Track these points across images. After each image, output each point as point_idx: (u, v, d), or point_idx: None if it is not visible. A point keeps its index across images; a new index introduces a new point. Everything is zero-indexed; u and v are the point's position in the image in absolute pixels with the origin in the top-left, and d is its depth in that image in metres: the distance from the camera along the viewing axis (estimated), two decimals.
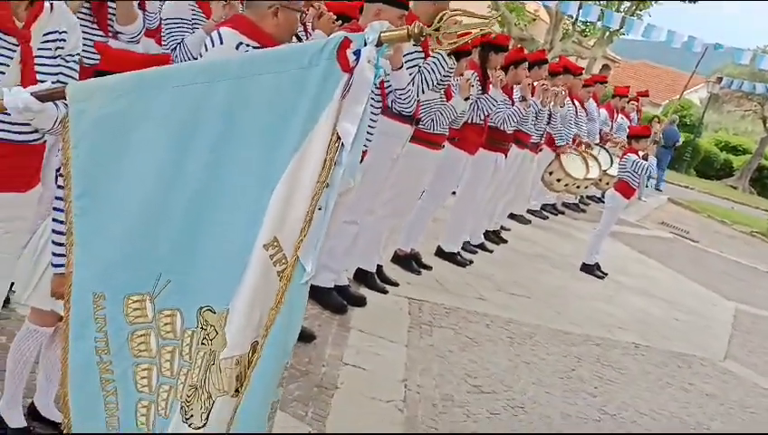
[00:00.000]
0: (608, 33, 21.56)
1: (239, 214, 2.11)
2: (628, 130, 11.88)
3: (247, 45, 3.15)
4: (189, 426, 2.21)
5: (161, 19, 4.47)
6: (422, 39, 1.95)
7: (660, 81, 42.44)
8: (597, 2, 18.17)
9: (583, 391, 5.14)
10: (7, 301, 3.60)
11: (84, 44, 3.58)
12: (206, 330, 2.19)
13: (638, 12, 22.70)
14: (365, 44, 1.96)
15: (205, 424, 2.18)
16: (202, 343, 2.19)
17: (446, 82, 5.23)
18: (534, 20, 27.24)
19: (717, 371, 6.55)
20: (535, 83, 7.17)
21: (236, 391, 2.15)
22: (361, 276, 5.81)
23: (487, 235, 8.23)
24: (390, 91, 4.36)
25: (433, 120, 5.44)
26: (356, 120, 1.99)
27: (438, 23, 1.96)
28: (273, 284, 2.08)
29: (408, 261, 6.57)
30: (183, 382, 2.24)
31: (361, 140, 2.05)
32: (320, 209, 2.05)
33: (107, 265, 2.23)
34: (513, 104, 6.76)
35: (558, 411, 4.69)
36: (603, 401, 5.08)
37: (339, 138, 2.01)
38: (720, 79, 25.69)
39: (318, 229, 2.06)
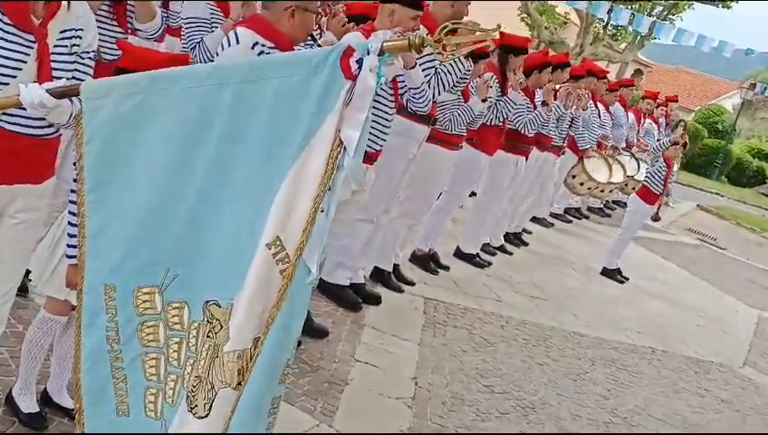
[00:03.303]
0: (639, 38, 21.38)
1: (244, 213, 2.18)
2: (656, 136, 11.86)
3: (263, 45, 3.22)
4: (194, 415, 2.28)
5: (182, 18, 4.57)
6: (423, 49, 2.00)
7: (693, 87, 42.05)
8: (628, 5, 18.02)
9: (595, 394, 5.15)
10: (26, 290, 3.72)
11: (105, 41, 3.70)
12: (211, 323, 2.26)
13: (671, 16, 22.51)
14: (368, 53, 2.02)
15: (208, 414, 2.25)
16: (207, 336, 2.27)
17: (463, 84, 5.27)
18: (565, 23, 27.13)
19: (735, 377, 6.52)
20: (557, 86, 7.17)
21: (239, 384, 2.21)
22: (378, 275, 5.86)
23: (508, 237, 8.25)
24: (405, 91, 4.40)
25: (450, 121, 5.48)
26: (358, 127, 2.05)
27: (439, 34, 2.01)
28: (276, 281, 2.15)
29: (426, 261, 6.61)
30: (189, 373, 2.32)
31: (363, 146, 2.11)
32: (322, 212, 2.12)
33: (118, 257, 2.31)
34: (534, 108, 6.77)
35: (568, 413, 4.71)
36: (615, 404, 5.09)
37: (341, 143, 2.08)
38: (753, 85, 25.46)
39: (320, 231, 2.13)
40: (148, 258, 2.28)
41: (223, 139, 2.18)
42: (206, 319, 2.24)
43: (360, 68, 2.00)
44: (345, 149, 2.04)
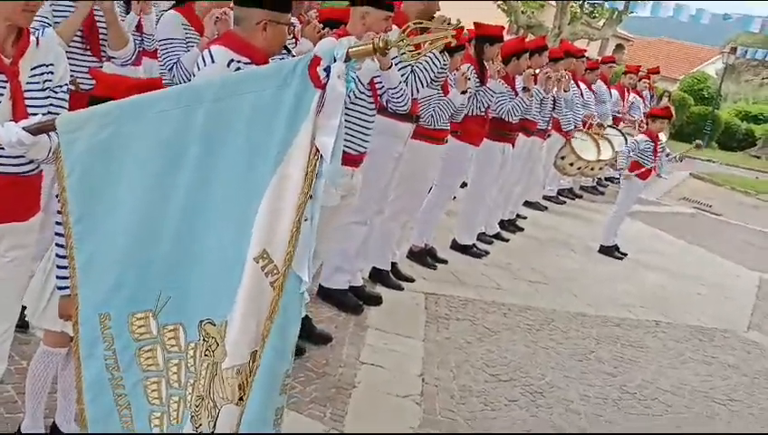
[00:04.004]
0: (616, 13, 21.41)
1: (229, 229, 2.20)
2: (642, 109, 11.89)
3: (239, 62, 3.23)
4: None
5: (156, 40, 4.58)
6: (387, 51, 2.02)
7: (676, 56, 42.10)
8: None
9: (603, 372, 5.18)
10: (27, 326, 3.73)
11: (79, 70, 3.72)
12: (207, 342, 2.28)
13: None
14: (334, 60, 2.04)
15: (213, 432, 2.27)
16: (205, 355, 2.29)
17: (441, 79, 5.29)
18: (542, 6, 27.14)
19: (740, 342, 6.55)
20: (537, 71, 7.19)
21: (240, 399, 2.23)
22: (377, 275, 5.89)
23: (503, 224, 8.28)
24: (384, 92, 4.42)
25: (432, 116, 5.51)
26: (332, 133, 2.08)
27: (401, 35, 2.03)
28: (267, 294, 2.17)
29: (423, 256, 6.64)
30: (191, 393, 2.34)
31: (339, 152, 2.13)
32: (306, 220, 2.13)
33: (109, 285, 2.33)
34: (516, 95, 6.79)
35: (577, 394, 4.74)
36: (623, 381, 5.12)
37: (318, 151, 2.10)
38: (734, 49, 25.54)
39: (306, 240, 2.15)
40: (140, 283, 2.30)
41: (201, 157, 2.20)
42: (202, 338, 2.26)
43: (328, 76, 2.02)
44: (322, 156, 2.06)
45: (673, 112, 9.13)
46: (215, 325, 2.24)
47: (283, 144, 2.09)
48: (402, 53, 2.16)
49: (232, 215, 2.18)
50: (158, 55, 4.65)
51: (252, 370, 2.18)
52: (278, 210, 2.11)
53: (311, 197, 2.10)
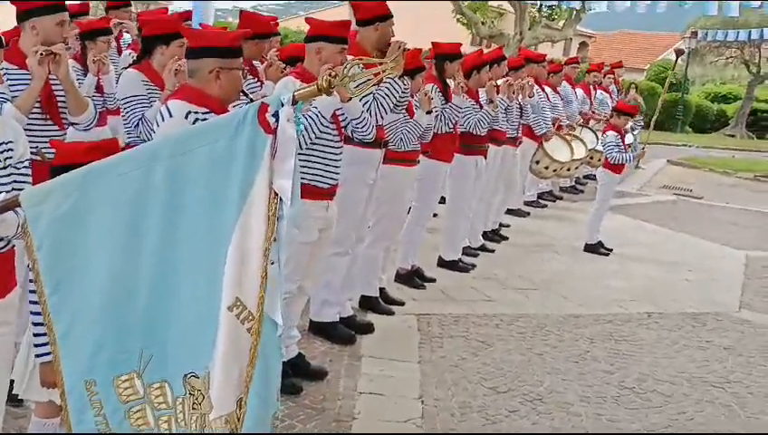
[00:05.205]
0: (574, 12, 21.66)
1: (200, 280, 2.23)
2: (610, 104, 12.01)
3: (196, 113, 3.27)
4: None
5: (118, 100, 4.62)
6: (331, 90, 2.07)
7: (639, 47, 42.58)
8: None
9: (600, 371, 5.21)
10: (21, 400, 3.73)
11: (41, 140, 3.75)
12: (194, 395, 2.30)
13: None
14: (282, 105, 2.09)
15: None
16: (193, 408, 2.31)
17: (405, 102, 5.35)
18: (501, 14, 27.43)
19: (733, 323, 6.60)
20: (499, 81, 7.27)
21: None
22: (366, 303, 5.91)
23: (486, 235, 8.33)
24: (348, 123, 4.47)
25: (402, 139, 5.55)
26: (289, 176, 2.12)
27: (344, 72, 2.08)
28: (245, 341, 2.20)
29: (411, 277, 6.67)
30: None
31: (297, 193, 2.17)
32: (272, 264, 2.17)
33: (91, 352, 2.35)
34: (481, 107, 6.86)
35: (576, 395, 4.76)
36: (621, 377, 5.14)
37: (276, 194, 2.14)
38: (695, 33, 25.80)
39: (275, 283, 2.19)
40: (121, 346, 2.32)
41: (165, 214, 2.24)
42: (188, 392, 2.28)
43: (277, 121, 2.07)
44: (281, 199, 2.10)
45: (638, 108, 9.24)
46: (198, 378, 2.26)
47: (242, 192, 2.13)
48: (357, 86, 2.20)
49: (202, 266, 2.21)
50: (122, 114, 4.68)
51: (240, 417, 2.21)
52: (245, 257, 2.15)
53: (274, 239, 2.14)
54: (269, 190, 2.12)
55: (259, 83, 5.28)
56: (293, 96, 2.04)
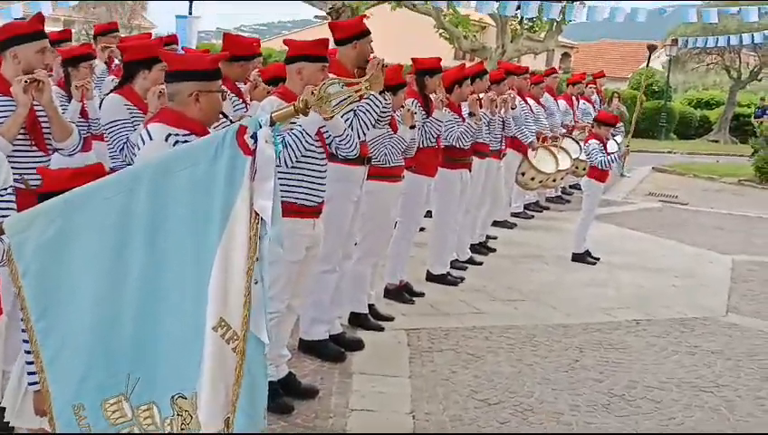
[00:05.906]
0: (555, 24, 21.82)
1: (185, 301, 2.26)
2: (593, 114, 12.09)
3: (176, 135, 3.29)
4: None
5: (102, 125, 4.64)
6: (308, 111, 2.10)
7: (621, 55, 42.96)
8: None
9: (589, 379, 5.23)
10: (12, 428, 3.72)
11: (26, 167, 3.76)
12: (182, 416, 2.32)
13: None
14: (260, 126, 2.12)
15: None
16: (182, 429, 2.33)
17: (387, 118, 5.39)
18: (483, 28, 27.59)
19: (721, 327, 6.64)
20: (481, 95, 7.32)
21: None
22: (355, 319, 5.92)
23: (474, 248, 8.36)
24: (331, 141, 4.50)
25: (386, 155, 5.58)
26: (269, 196, 2.15)
27: (320, 93, 2.11)
28: (230, 361, 2.23)
29: (400, 293, 6.68)
30: None
31: (278, 212, 2.20)
32: (256, 283, 2.19)
33: (78, 376, 2.36)
34: (463, 121, 6.91)
35: (566, 405, 4.78)
36: (610, 385, 5.17)
37: (257, 215, 2.17)
38: (675, 41, 26.04)
39: (259, 301, 2.21)
40: (107, 369, 2.34)
41: (149, 236, 2.27)
42: (176, 413, 2.30)
43: (256, 142, 2.09)
44: (262, 219, 2.13)
45: (620, 117, 9.32)
46: (186, 398, 2.28)
47: (223, 213, 2.16)
48: (336, 104, 2.23)
49: (186, 288, 2.23)
50: (106, 138, 4.70)
51: None
52: (228, 277, 2.17)
53: (257, 259, 2.16)
54: (250, 211, 2.15)
55: (244, 104, 5.31)
56: (271, 117, 2.07)
